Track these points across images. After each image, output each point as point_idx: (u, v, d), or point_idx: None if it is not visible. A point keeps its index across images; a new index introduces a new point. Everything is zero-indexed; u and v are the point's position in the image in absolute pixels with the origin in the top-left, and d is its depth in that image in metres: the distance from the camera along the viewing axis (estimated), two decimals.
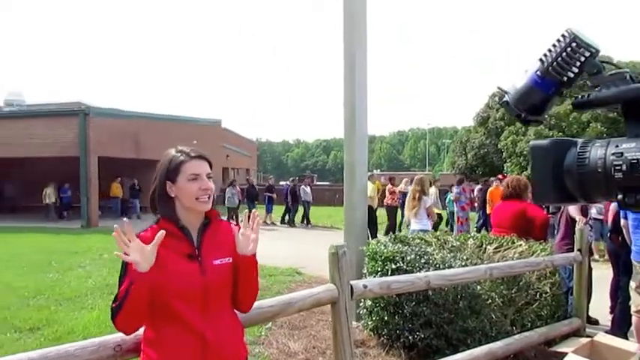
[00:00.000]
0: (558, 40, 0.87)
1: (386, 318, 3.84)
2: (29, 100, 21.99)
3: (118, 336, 1.70)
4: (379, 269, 3.91)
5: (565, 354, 3.59)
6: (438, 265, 3.68)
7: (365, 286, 2.64)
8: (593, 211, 8.20)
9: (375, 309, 3.94)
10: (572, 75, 0.86)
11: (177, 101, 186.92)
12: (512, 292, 3.85)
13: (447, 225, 12.25)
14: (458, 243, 4.53)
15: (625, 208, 0.80)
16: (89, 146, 16.59)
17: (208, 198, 1.59)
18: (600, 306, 4.98)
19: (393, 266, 3.78)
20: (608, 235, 4.90)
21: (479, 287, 3.72)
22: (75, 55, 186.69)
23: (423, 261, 3.75)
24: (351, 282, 2.55)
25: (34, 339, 4.55)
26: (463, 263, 3.76)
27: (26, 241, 12.08)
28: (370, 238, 4.93)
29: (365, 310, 4.12)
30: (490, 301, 3.72)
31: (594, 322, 4.96)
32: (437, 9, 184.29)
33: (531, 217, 4.52)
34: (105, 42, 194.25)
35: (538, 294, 4.04)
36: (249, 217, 1.67)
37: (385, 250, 3.94)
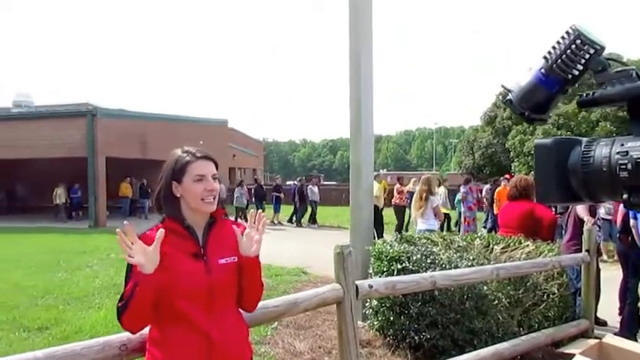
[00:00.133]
0: (562, 37, 0.85)
1: (392, 318, 3.83)
2: (37, 101, 22.15)
3: (124, 335, 1.70)
4: (385, 269, 3.90)
5: (573, 355, 3.55)
6: (444, 266, 3.66)
7: (370, 286, 2.63)
8: (602, 211, 8.12)
9: (381, 309, 3.94)
10: (576, 73, 0.84)
11: (184, 102, 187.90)
12: (519, 292, 3.83)
13: (456, 225, 12.19)
14: (464, 243, 4.51)
15: (630, 208, 0.78)
16: (97, 147, 16.71)
17: (214, 199, 1.59)
18: (609, 307, 4.93)
19: (399, 266, 3.77)
20: (618, 235, 4.86)
21: (485, 288, 3.69)
22: (82, 57, 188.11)
23: (429, 261, 3.74)
24: (357, 282, 2.54)
25: (42, 338, 4.58)
26: (469, 263, 3.74)
27: (35, 241, 12.19)
28: (376, 238, 4.92)
29: (371, 310, 4.12)
30: (497, 301, 3.69)
31: (603, 324, 4.91)
32: (437, 9, 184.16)
33: (539, 217, 4.48)
34: (111, 43, 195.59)
35: (545, 295, 4.01)
36: (255, 217, 1.67)
37: (391, 250, 3.93)
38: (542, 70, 0.87)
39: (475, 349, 3.38)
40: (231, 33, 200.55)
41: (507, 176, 12.07)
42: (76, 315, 5.36)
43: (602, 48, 0.83)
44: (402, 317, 3.75)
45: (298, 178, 18.11)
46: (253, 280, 1.64)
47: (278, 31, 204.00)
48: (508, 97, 0.92)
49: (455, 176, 28.48)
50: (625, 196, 0.77)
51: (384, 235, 9.19)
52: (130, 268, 1.48)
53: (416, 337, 3.66)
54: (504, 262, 3.92)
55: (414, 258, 3.77)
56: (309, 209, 16.10)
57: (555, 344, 4.01)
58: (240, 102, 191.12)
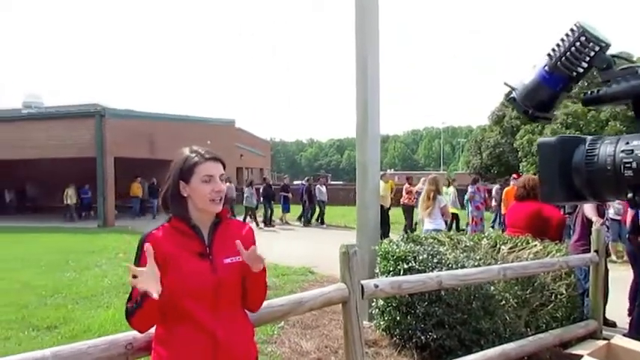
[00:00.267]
0: (567, 35, 0.84)
1: (398, 318, 3.82)
2: (47, 102, 22.32)
3: (130, 334, 1.71)
4: (391, 269, 3.90)
5: (581, 356, 3.52)
6: (450, 265, 3.64)
7: (376, 286, 2.62)
8: (611, 211, 8.05)
9: (388, 309, 3.93)
10: (581, 70, 0.83)
11: (192, 102, 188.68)
12: (527, 293, 3.80)
13: (467, 226, 12.12)
14: (471, 243, 4.48)
15: (635, 207, 0.77)
16: (105, 147, 16.83)
17: (220, 200, 1.60)
18: (618, 308, 4.88)
19: (405, 266, 3.76)
20: (627, 236, 4.81)
21: (492, 288, 3.67)
22: (91, 58, 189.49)
23: (435, 261, 3.72)
24: (362, 281, 2.54)
25: (50, 337, 4.62)
26: (476, 263, 3.72)
27: (44, 240, 12.31)
28: (382, 238, 4.91)
29: (377, 310, 4.11)
30: (504, 302, 3.67)
31: (612, 325, 4.86)
32: (437, 9, 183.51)
33: (547, 217, 4.45)
34: (118, 45, 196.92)
35: (553, 295, 3.97)
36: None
37: (397, 250, 3.92)
38: (546, 68, 0.86)
39: (482, 350, 3.36)
40: (237, 33, 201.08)
41: (515, 176, 11.99)
42: (85, 314, 5.40)
43: (608, 45, 0.82)
44: (409, 317, 3.74)
45: (306, 178, 18.08)
46: (258, 282, 1.64)
47: (283, 31, 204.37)
48: (512, 95, 0.91)
49: (462, 176, 28.36)
50: (630, 195, 0.76)
51: (389, 234, 9.17)
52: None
53: (422, 337, 3.64)
54: (511, 262, 3.90)
55: (421, 258, 3.75)
56: (317, 209, 16.10)
57: (563, 345, 3.97)
58: (247, 102, 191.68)
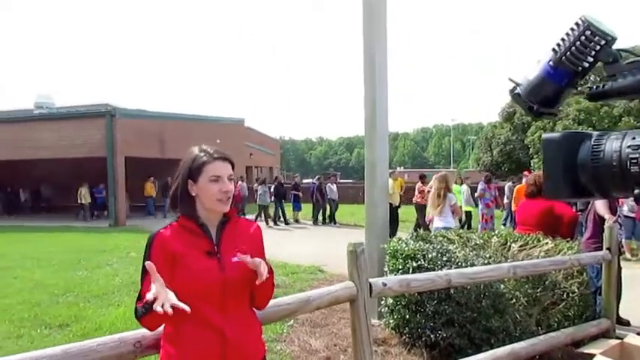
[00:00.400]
0: (572, 29, 0.82)
1: (407, 316, 3.80)
2: (58, 102, 22.56)
3: (138, 332, 1.72)
4: (400, 267, 3.88)
5: (593, 355, 3.49)
6: (460, 264, 3.62)
7: (384, 284, 2.61)
8: (625, 208, 7.95)
9: (397, 307, 3.91)
10: (586, 65, 0.82)
11: (201, 101, 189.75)
12: (538, 291, 3.76)
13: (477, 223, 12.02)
14: (481, 241, 4.45)
15: None
16: (116, 146, 16.97)
17: (228, 200, 1.60)
18: (633, 306, 4.82)
19: (414, 264, 3.74)
20: None
21: (502, 286, 3.64)
22: (101, 58, 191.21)
23: (444, 259, 3.70)
24: (370, 280, 2.53)
25: (62, 335, 4.67)
26: (486, 261, 3.69)
27: (56, 240, 12.45)
28: (390, 236, 4.89)
29: (386, 309, 4.09)
30: (514, 300, 3.64)
31: (625, 324, 4.79)
32: (437, 9, 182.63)
33: (559, 214, 4.41)
34: (127, 45, 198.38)
35: (565, 294, 3.93)
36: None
37: (406, 248, 3.90)
38: (551, 63, 0.85)
39: (492, 349, 3.33)
40: (250, 33, 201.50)
41: (527, 173, 11.87)
42: (96, 312, 5.46)
43: (614, 39, 0.80)
44: (418, 315, 3.72)
45: (317, 177, 18.04)
46: (266, 285, 1.64)
47: (292, 30, 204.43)
48: (516, 91, 0.90)
49: (473, 173, 28.13)
50: (637, 191, 0.75)
51: (397, 232, 9.13)
52: (145, 267, 1.49)
53: (432, 336, 3.63)
54: (522, 260, 3.86)
55: (430, 256, 3.73)
56: (328, 207, 16.10)
57: (575, 344, 3.93)
58: (256, 101, 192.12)
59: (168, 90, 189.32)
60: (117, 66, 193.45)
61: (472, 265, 3.58)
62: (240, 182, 16.53)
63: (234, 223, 1.67)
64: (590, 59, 0.82)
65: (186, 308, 1.39)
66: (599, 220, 4.74)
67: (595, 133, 0.83)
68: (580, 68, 0.83)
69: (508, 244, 4.37)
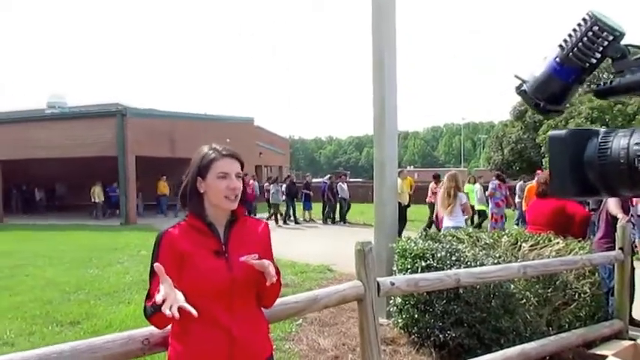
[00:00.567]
0: (579, 25, 0.81)
1: (416, 316, 3.79)
2: (70, 102, 22.80)
3: (147, 330, 1.73)
4: (409, 266, 3.86)
5: (605, 357, 3.44)
6: (469, 263, 3.59)
7: (392, 283, 2.60)
8: (639, 208, 7.82)
9: (405, 307, 3.89)
10: (594, 61, 0.80)
11: (211, 100, 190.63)
12: (549, 291, 3.72)
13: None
14: (491, 240, 4.41)
15: None
16: (127, 146, 17.10)
17: (235, 197, 1.60)
18: None
19: (423, 264, 3.72)
20: None
21: (512, 286, 3.61)
22: (112, 58, 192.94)
23: (453, 258, 3.67)
24: (378, 279, 2.52)
25: (73, 332, 4.72)
26: (496, 261, 3.66)
27: (69, 238, 12.60)
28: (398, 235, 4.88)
29: (395, 308, 4.08)
30: (524, 300, 3.61)
31: (638, 325, 4.73)
32: (437, 9, 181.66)
33: (571, 213, 4.36)
34: (137, 46, 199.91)
35: (576, 294, 3.89)
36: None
37: (415, 248, 3.88)
38: (558, 59, 0.83)
39: (502, 349, 3.30)
40: (253, 32, 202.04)
41: (539, 172, 11.75)
42: (107, 310, 5.50)
43: (622, 34, 0.79)
44: (427, 315, 3.70)
45: (328, 176, 18.01)
46: (273, 285, 1.63)
47: (299, 28, 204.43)
48: (522, 88, 0.88)
49: (483, 172, 27.98)
50: None
51: (403, 232, 9.09)
52: (153, 269, 1.50)
53: (441, 336, 3.61)
54: (532, 259, 3.83)
55: (439, 255, 3.71)
56: (338, 206, 16.08)
57: (587, 345, 3.88)
58: (266, 100, 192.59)
59: (179, 90, 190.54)
60: (127, 66, 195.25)
61: (482, 264, 3.56)
62: (252, 181, 16.58)
63: (243, 223, 1.68)
64: (598, 55, 0.80)
65: (194, 312, 1.39)
66: (612, 220, 4.67)
67: (602, 130, 0.81)
68: (587, 64, 0.81)
69: (518, 243, 4.33)
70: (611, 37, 0.79)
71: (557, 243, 4.18)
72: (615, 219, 4.58)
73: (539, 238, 4.31)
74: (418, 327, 3.82)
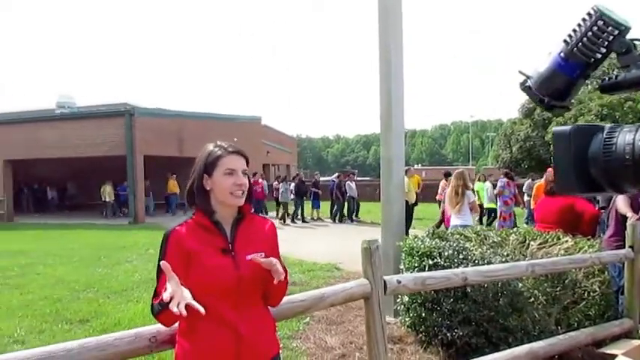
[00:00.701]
0: (583, 19, 0.80)
1: (423, 314, 3.77)
2: (79, 102, 22.96)
3: (154, 327, 1.75)
4: (416, 265, 3.85)
5: (615, 356, 3.41)
6: (476, 262, 3.57)
7: (399, 282, 2.60)
8: None
9: (413, 305, 3.88)
10: (599, 56, 0.79)
11: (219, 99, 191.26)
12: (557, 290, 3.70)
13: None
14: (499, 239, 4.38)
15: None
16: (135, 145, 17.20)
17: (242, 194, 1.61)
18: None
19: (430, 262, 3.71)
20: None
21: (520, 284, 3.59)
22: (119, 58, 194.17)
23: (461, 257, 3.66)
24: (385, 277, 2.51)
25: (83, 330, 4.76)
26: (503, 259, 3.64)
27: (78, 237, 12.71)
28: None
29: (402, 307, 4.07)
30: (533, 299, 3.58)
31: None
32: (437, 9, 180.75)
33: (580, 211, 4.33)
34: (144, 46, 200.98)
35: (586, 292, 3.86)
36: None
37: (422, 246, 3.87)
38: (562, 55, 0.83)
39: (510, 347, 3.29)
40: (261, 31, 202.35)
41: (549, 170, 11.64)
42: (116, 308, 5.54)
43: (627, 28, 0.78)
44: (434, 314, 3.69)
45: (336, 174, 17.95)
46: (280, 284, 1.64)
47: (307, 27, 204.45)
48: (527, 84, 0.87)
49: (492, 170, 27.83)
50: None
51: (410, 230, 9.06)
52: (160, 267, 1.50)
53: (448, 334, 3.59)
54: (541, 258, 3.80)
55: (446, 254, 3.69)
56: (346, 205, 16.07)
57: (597, 344, 3.85)
58: (273, 99, 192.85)
59: (186, 89, 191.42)
60: (133, 66, 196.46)
61: (489, 263, 3.54)
62: (261, 180, 16.61)
63: (250, 221, 1.68)
64: (603, 50, 0.79)
65: (201, 309, 1.40)
66: (622, 218, 4.63)
67: (607, 125, 0.80)
68: (592, 60, 0.80)
69: (527, 242, 4.30)
70: (616, 32, 0.78)
71: (566, 241, 4.15)
72: (625, 217, 4.53)
73: (547, 237, 4.28)
74: (425, 325, 3.81)
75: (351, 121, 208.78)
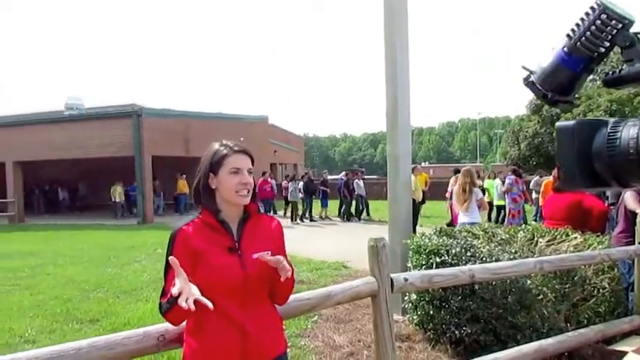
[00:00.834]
0: (587, 13, 0.79)
1: (431, 312, 3.77)
2: (87, 103, 23.10)
3: (162, 326, 1.76)
4: (424, 262, 3.84)
5: (625, 353, 3.38)
6: (484, 259, 3.56)
7: (406, 279, 2.59)
8: None
9: (421, 303, 3.87)
10: (602, 50, 0.78)
11: (226, 99, 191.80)
12: (566, 287, 3.67)
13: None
14: (507, 236, 4.36)
15: None
16: (143, 146, 17.30)
17: (247, 192, 1.61)
18: None
19: (438, 259, 3.70)
20: None
21: (529, 282, 3.57)
22: (126, 60, 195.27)
23: (469, 254, 3.64)
24: (392, 275, 2.51)
25: (93, 330, 4.80)
26: (511, 257, 3.62)
27: (88, 237, 12.81)
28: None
29: (410, 304, 4.06)
30: (541, 296, 3.56)
31: None
32: (437, 9, 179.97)
33: (588, 207, 4.29)
34: (151, 48, 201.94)
35: (595, 289, 3.83)
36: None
37: (429, 244, 3.86)
38: (566, 49, 0.82)
39: (518, 345, 3.27)
40: (269, 31, 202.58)
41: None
42: (125, 308, 5.58)
43: (631, 22, 0.77)
44: (442, 311, 3.68)
45: (344, 172, 17.91)
46: (287, 282, 1.64)
47: (305, 26, 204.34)
48: (530, 79, 0.87)
49: (500, 167, 27.65)
50: None
51: (416, 228, 9.03)
52: (168, 264, 1.51)
53: (456, 332, 3.58)
54: (549, 255, 3.77)
55: (454, 251, 3.68)
56: (354, 203, 16.07)
57: (606, 341, 3.82)
58: (280, 98, 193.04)
59: (193, 90, 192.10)
60: (140, 67, 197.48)
61: (497, 260, 3.52)
62: (269, 179, 16.65)
63: (256, 220, 1.69)
64: (607, 44, 0.78)
65: (209, 304, 1.41)
66: (631, 214, 4.58)
67: (611, 120, 0.79)
68: (596, 54, 0.80)
69: (535, 238, 4.28)
70: (619, 25, 0.77)
71: (575, 238, 4.12)
72: (634, 213, 4.49)
73: (556, 233, 4.25)
74: (433, 323, 3.80)
75: (358, 119, 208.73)
